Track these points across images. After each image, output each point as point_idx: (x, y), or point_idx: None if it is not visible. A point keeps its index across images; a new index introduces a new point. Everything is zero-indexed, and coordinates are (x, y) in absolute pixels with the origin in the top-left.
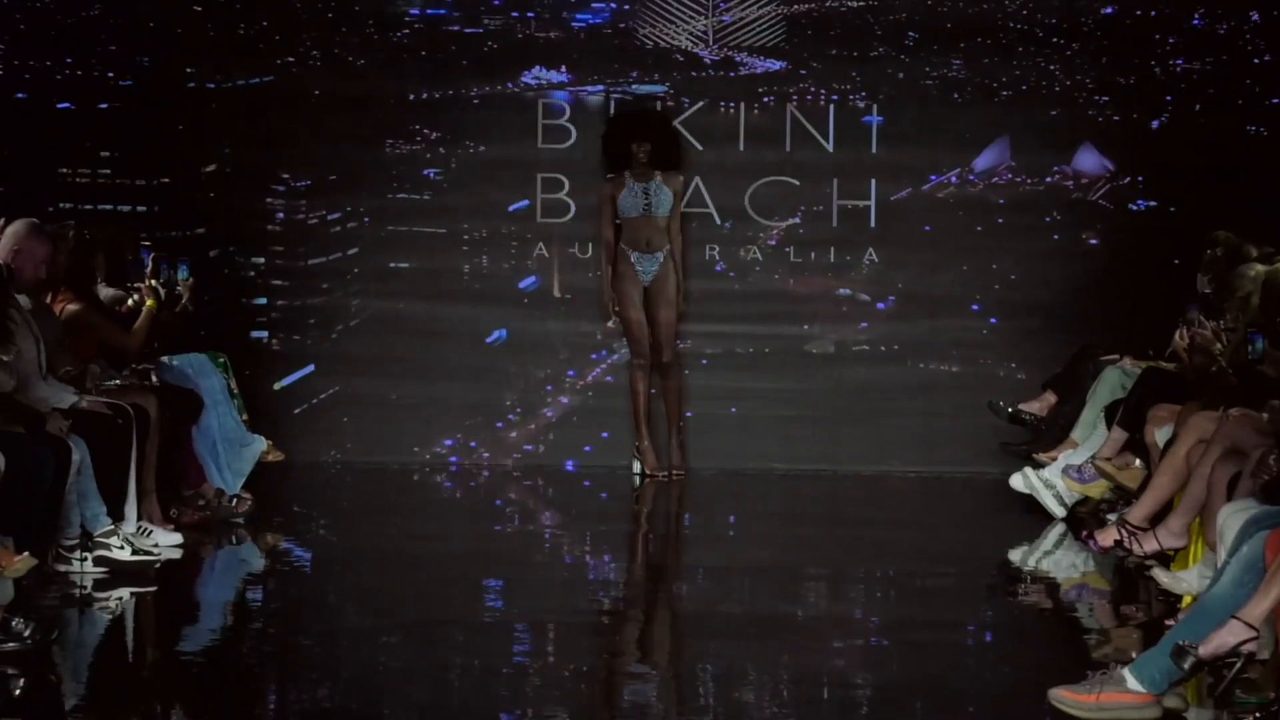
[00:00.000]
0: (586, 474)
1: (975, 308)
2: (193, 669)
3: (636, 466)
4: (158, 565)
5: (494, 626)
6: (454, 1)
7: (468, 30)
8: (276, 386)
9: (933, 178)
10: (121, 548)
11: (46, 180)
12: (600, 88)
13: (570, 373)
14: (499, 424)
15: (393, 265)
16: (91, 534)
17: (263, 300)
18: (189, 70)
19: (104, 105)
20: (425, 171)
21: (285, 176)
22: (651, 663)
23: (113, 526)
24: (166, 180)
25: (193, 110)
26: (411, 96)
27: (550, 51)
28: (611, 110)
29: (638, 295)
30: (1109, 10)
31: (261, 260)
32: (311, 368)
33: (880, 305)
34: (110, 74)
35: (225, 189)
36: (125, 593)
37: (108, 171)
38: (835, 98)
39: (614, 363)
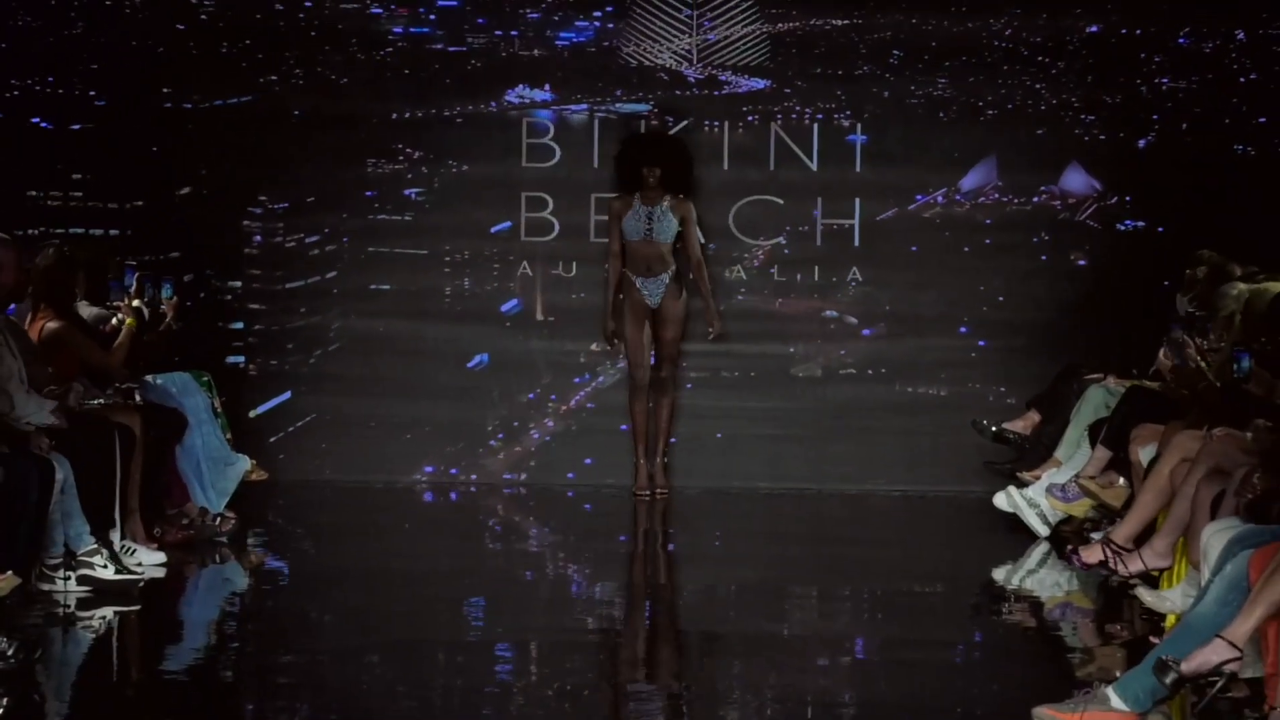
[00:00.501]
0: (571, 494)
1: (963, 330)
2: (176, 688)
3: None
4: (141, 584)
5: (477, 645)
6: (437, 20)
7: (451, 49)
8: (252, 414)
9: (918, 197)
10: (105, 566)
11: (17, 203)
12: (584, 106)
13: (553, 396)
14: (481, 448)
15: (373, 287)
16: (75, 553)
17: (240, 324)
18: (165, 90)
19: (77, 126)
20: (407, 192)
21: (263, 198)
22: (637, 682)
23: (96, 545)
24: (140, 203)
25: (169, 131)
26: (394, 115)
27: (534, 70)
28: (595, 127)
29: (639, 315)
30: (1094, 29)
31: (239, 284)
32: (288, 394)
33: (867, 331)
34: (91, 92)
35: (201, 211)
36: (109, 611)
37: (80, 194)
38: (820, 117)
39: (598, 386)
